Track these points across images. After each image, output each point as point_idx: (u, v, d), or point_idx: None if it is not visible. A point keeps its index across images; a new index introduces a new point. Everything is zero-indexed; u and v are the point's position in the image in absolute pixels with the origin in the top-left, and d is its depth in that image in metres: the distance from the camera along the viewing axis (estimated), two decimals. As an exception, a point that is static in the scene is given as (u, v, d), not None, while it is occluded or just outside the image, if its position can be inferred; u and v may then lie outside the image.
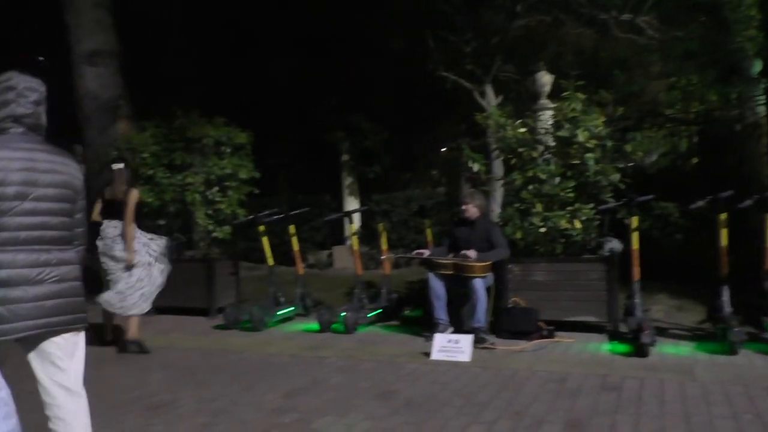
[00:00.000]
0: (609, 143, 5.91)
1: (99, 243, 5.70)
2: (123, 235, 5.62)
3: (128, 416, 3.77)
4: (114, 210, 5.76)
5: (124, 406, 3.99)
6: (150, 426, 3.57)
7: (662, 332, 5.52)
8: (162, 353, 5.62)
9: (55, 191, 2.41)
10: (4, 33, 13.27)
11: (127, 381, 4.64)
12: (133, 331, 5.66)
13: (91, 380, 4.79)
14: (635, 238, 5.37)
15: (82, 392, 2.55)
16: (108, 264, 5.69)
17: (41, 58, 15.22)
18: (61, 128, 11.71)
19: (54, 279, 2.37)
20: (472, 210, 5.82)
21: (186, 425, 3.56)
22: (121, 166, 5.99)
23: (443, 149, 12.44)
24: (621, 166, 5.90)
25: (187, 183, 7.65)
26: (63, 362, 2.47)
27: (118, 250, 5.64)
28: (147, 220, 7.89)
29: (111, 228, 5.70)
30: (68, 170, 2.49)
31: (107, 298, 5.65)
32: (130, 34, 10.65)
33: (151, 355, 5.53)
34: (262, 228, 7.22)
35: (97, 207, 5.87)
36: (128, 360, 5.40)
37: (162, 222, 7.89)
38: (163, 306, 7.68)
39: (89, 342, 2.80)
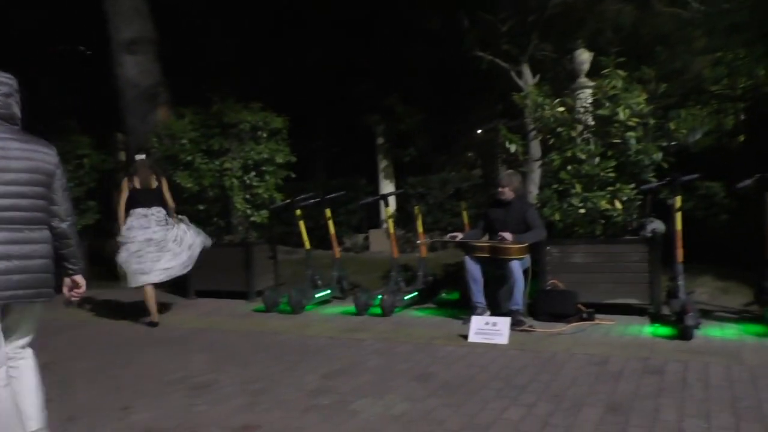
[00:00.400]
0: (651, 121, 5.74)
1: (143, 231, 6.17)
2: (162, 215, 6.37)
3: (172, 396, 3.87)
4: (147, 198, 6.29)
5: (168, 386, 4.10)
6: (193, 406, 3.66)
7: (707, 315, 5.39)
8: (203, 335, 5.75)
9: (27, 176, 2.64)
10: (44, 25, 13.58)
11: (171, 362, 4.75)
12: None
13: (135, 362, 4.96)
14: (678, 218, 5.23)
15: (32, 353, 2.89)
16: (155, 245, 6.20)
17: (82, 49, 15.56)
18: (104, 116, 12.02)
19: (22, 255, 2.62)
20: (508, 192, 5.76)
21: (228, 405, 3.63)
22: (143, 157, 6.58)
23: (479, 131, 12.30)
24: (664, 144, 5.73)
25: (225, 168, 7.75)
26: (24, 328, 2.80)
27: (175, 229, 6.39)
28: (186, 205, 8.05)
29: (155, 215, 6.28)
30: (40, 156, 2.71)
31: (174, 269, 6.27)
32: (166, 21, 10.78)
33: (194, 337, 5.66)
34: (298, 212, 7.28)
35: (123, 197, 6.32)
36: (171, 342, 5.53)
37: (201, 207, 8.02)
38: (203, 289, 7.88)
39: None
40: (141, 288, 6.22)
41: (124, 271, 6.21)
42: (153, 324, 6.21)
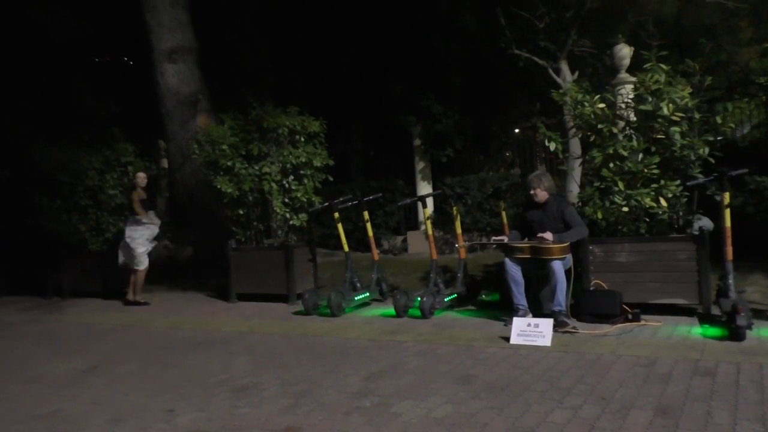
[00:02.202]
0: (696, 115, 5.56)
1: (148, 228, 8.37)
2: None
3: (215, 398, 3.91)
4: (147, 204, 8.40)
5: (212, 388, 4.15)
6: (236, 408, 3.69)
7: (759, 314, 5.18)
8: (245, 338, 5.81)
9: None
10: (90, 36, 13.99)
11: (213, 365, 4.81)
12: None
13: (179, 365, 5.04)
14: (727, 215, 5.05)
15: None
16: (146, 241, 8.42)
17: (125, 59, 15.98)
18: (147, 124, 12.29)
19: None
20: (541, 193, 5.66)
21: (271, 407, 3.66)
22: (143, 174, 8.49)
23: (517, 129, 12.15)
24: (710, 139, 5.54)
25: (264, 172, 7.82)
26: None
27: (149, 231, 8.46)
28: (227, 209, 8.18)
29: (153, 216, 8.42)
30: None
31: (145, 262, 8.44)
32: (204, 29, 10.97)
33: (236, 340, 5.73)
34: (336, 215, 7.30)
35: (137, 199, 8.24)
36: (214, 345, 5.61)
37: (241, 211, 8.12)
38: (244, 293, 7.97)
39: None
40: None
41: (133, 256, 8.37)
42: (132, 303, 8.34)
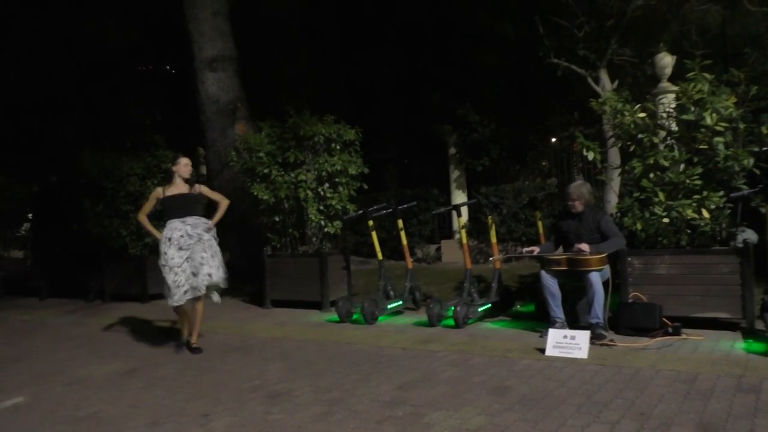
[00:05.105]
0: (741, 126, 5.42)
1: (182, 236, 5.56)
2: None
3: (249, 404, 3.95)
4: (181, 208, 5.69)
5: (246, 394, 4.19)
6: (270, 414, 3.72)
7: (807, 331, 5.01)
8: (279, 344, 5.86)
9: None
10: (134, 46, 14.39)
11: (248, 370, 4.86)
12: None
13: (214, 369, 5.10)
14: (774, 228, 4.90)
15: None
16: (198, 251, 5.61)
17: (167, 68, 16.39)
18: (187, 131, 12.56)
19: None
20: (580, 204, 5.58)
21: (303, 414, 3.67)
22: (186, 160, 6.07)
23: (554, 139, 12.02)
24: (755, 150, 5.39)
25: (300, 180, 7.89)
26: None
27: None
28: (263, 216, 8.27)
29: (189, 224, 5.63)
30: None
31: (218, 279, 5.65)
32: (245, 39, 11.17)
33: (270, 346, 5.78)
34: (371, 223, 7.32)
35: (148, 208, 5.91)
36: (248, 350, 5.67)
37: (277, 218, 8.20)
38: (278, 299, 8.05)
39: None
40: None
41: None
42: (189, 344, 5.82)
